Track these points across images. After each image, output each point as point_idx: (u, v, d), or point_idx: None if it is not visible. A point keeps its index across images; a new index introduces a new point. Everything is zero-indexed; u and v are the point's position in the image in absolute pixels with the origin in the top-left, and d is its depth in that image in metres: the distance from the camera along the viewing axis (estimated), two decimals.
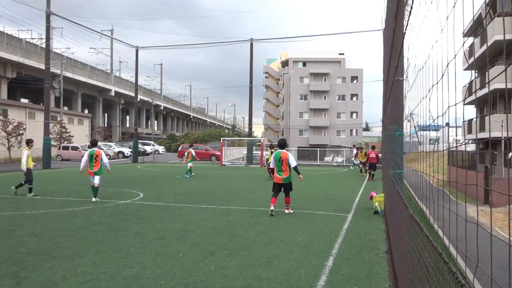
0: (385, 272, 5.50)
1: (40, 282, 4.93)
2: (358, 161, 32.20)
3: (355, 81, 67.10)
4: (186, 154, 22.46)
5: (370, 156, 21.54)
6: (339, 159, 39.93)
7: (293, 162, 9.88)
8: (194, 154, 22.14)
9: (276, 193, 10.01)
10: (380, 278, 5.25)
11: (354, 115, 67.40)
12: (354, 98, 67.42)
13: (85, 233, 7.61)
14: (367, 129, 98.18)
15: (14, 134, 36.03)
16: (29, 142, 13.34)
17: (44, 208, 10.51)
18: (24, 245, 6.69)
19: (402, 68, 5.90)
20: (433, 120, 2.72)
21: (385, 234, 7.89)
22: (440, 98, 2.33)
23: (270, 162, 11.26)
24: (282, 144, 10.28)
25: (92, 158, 12.03)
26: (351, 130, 66.55)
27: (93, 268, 5.48)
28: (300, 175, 10.19)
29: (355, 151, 32.70)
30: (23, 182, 13.08)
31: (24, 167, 12.86)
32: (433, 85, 2.58)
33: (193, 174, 22.36)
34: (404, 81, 5.76)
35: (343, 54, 74.27)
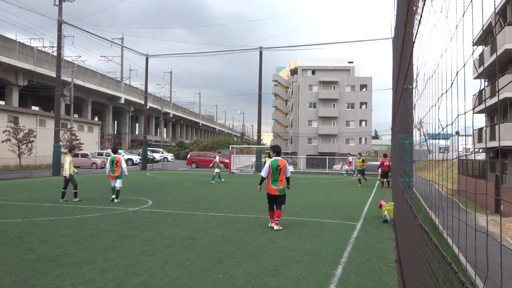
0: (395, 282, 5.44)
1: None
2: (349, 168, 32.13)
3: (364, 89, 66.97)
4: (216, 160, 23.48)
5: (384, 164, 21.38)
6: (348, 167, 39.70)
7: (289, 172, 9.20)
8: (217, 160, 23.04)
9: (272, 206, 9.13)
10: None
11: (363, 123, 67.15)
12: (363, 106, 67.23)
13: (94, 240, 7.64)
14: (376, 137, 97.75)
15: (24, 141, 36.44)
16: (72, 149, 14.08)
17: (53, 215, 10.59)
18: (33, 252, 6.74)
19: (411, 77, 5.89)
20: (443, 129, 2.71)
21: (394, 243, 7.82)
22: (450, 106, 2.33)
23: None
24: (279, 151, 9.39)
25: (113, 163, 13.44)
26: (360, 138, 66.26)
27: (102, 276, 5.50)
28: (289, 185, 9.34)
29: (351, 158, 32.64)
30: (64, 190, 13.53)
31: (67, 172, 13.31)
32: (442, 94, 2.57)
33: (223, 180, 23.59)
34: (413, 89, 5.75)
35: (352, 62, 74.25)
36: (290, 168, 34.26)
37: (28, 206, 12.20)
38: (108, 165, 13.58)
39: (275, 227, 8.76)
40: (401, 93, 6.84)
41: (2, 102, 50.31)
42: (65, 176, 13.40)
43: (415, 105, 5.33)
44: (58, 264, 6.05)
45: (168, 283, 5.23)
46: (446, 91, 2.41)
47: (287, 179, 9.10)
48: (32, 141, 37.49)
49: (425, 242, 2.84)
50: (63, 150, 30.34)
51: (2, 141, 34.76)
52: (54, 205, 12.46)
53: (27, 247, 7.09)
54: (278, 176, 8.92)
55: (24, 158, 37.02)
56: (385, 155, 22.37)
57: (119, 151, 14.58)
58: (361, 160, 23.54)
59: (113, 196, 13.27)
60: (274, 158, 9.12)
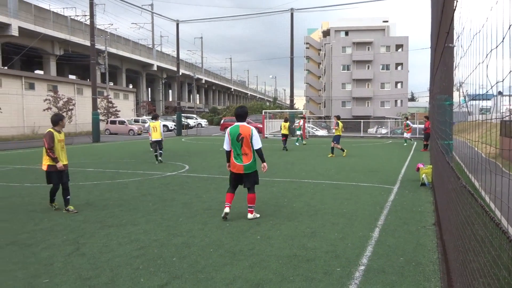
0: (433, 244, 5.42)
1: (98, 247, 5.25)
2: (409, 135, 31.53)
3: (400, 50, 64.55)
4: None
5: (428, 127, 20.90)
6: (383, 130, 39.04)
7: (258, 142, 6.75)
8: (301, 124, 26.70)
9: (233, 187, 6.93)
10: (428, 250, 5.18)
11: (399, 85, 65.20)
12: (399, 68, 65.07)
13: (136, 203, 7.96)
14: (412, 99, 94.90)
15: (64, 110, 37.72)
16: (157, 117, 15.83)
17: (96, 180, 11.06)
18: (81, 214, 7.11)
19: (453, 34, 5.61)
20: (491, 87, 2.59)
21: (432, 206, 7.73)
22: (500, 64, 2.21)
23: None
24: (242, 115, 6.88)
25: (154, 129, 14.93)
26: (396, 101, 64.58)
27: (145, 236, 5.76)
28: (264, 163, 6.94)
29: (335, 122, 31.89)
30: (160, 151, 14.96)
31: (162, 136, 15.10)
32: (491, 50, 2.44)
33: (304, 143, 25.43)
34: (455, 47, 5.49)
35: (387, 21, 71.36)
36: (322, 133, 33.48)
37: (72, 171, 12.73)
38: (150, 130, 15.16)
39: (249, 215, 6.73)
40: (441, 52, 6.55)
41: (41, 72, 51.93)
42: (156, 140, 14.82)
43: (457, 64, 5.11)
44: (104, 225, 6.37)
45: (208, 243, 5.42)
46: (496, 46, 2.29)
47: (259, 152, 6.77)
48: (72, 109, 38.76)
49: (469, 204, 2.79)
50: (101, 117, 31.21)
51: (44, 110, 36.10)
52: (96, 170, 12.99)
53: (75, 209, 7.48)
54: (240, 149, 6.67)
55: (65, 125, 38.40)
56: (427, 117, 21.91)
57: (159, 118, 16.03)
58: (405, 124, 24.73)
59: (159, 158, 14.82)
60: (235, 124, 6.84)
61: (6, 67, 39.23)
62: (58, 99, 37.53)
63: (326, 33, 75.46)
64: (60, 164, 7.20)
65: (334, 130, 18.81)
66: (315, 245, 5.33)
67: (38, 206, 7.77)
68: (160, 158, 14.82)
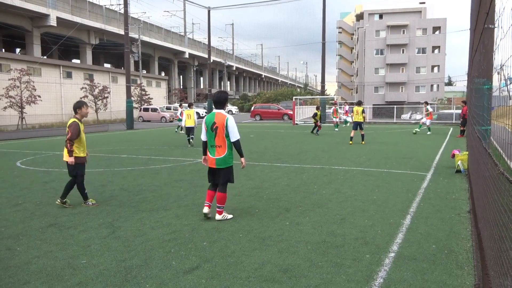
0: (467, 232, 5.28)
1: (132, 231, 5.42)
2: (346, 118, 30.98)
3: (437, 32, 62.30)
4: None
5: (465, 112, 20.24)
6: (418, 116, 38.01)
7: (234, 133, 5.91)
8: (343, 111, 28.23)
9: (212, 184, 6.12)
10: (461, 238, 5.05)
11: (436, 69, 63.10)
12: (436, 51, 62.89)
13: (167, 189, 8.14)
14: (449, 83, 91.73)
15: (100, 97, 38.78)
16: (191, 104, 17.38)
17: (130, 166, 11.36)
18: (115, 199, 7.34)
19: (493, 14, 5.36)
20: None
21: (468, 193, 7.51)
22: None
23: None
24: (220, 101, 5.99)
25: (188, 116, 16.43)
26: (432, 86, 62.61)
27: (177, 221, 5.89)
28: (242, 158, 6.10)
29: (347, 107, 31.40)
30: (192, 136, 16.46)
31: (196, 123, 16.43)
32: None
33: (336, 130, 25.70)
34: (496, 28, 5.24)
35: (424, 2, 68.80)
36: (350, 119, 32.91)
37: (108, 157, 13.18)
38: (183, 117, 16.90)
39: (217, 216, 5.90)
40: (480, 34, 6.28)
41: (78, 61, 53.43)
42: (189, 127, 16.31)
43: (498, 46, 4.88)
44: (137, 209, 6.56)
45: (238, 228, 5.49)
46: None
47: (236, 145, 5.96)
48: (107, 97, 39.80)
49: (507, 191, 2.69)
50: (134, 105, 31.87)
51: (81, 98, 37.25)
52: (130, 157, 13.34)
53: (110, 194, 7.74)
54: (214, 140, 5.89)
55: (101, 113, 39.56)
56: (464, 102, 21.14)
57: (193, 106, 18.00)
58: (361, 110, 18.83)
59: (191, 141, 16.38)
60: (212, 111, 6.04)
61: (45, 57, 40.61)
62: (94, 87, 38.60)
63: (359, 17, 73.66)
64: (72, 159, 6.54)
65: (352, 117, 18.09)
66: (344, 232, 5.30)
67: (75, 190, 8.06)
68: (192, 141, 16.35)
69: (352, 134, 17.05)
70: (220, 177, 5.94)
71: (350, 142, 16.74)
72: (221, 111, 5.94)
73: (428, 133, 21.73)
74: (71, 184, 6.82)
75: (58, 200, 6.78)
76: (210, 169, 6.05)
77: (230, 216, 6.01)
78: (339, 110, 29.19)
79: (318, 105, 25.49)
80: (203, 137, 6.06)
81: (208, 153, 5.97)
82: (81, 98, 37.08)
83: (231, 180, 6.02)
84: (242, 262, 4.32)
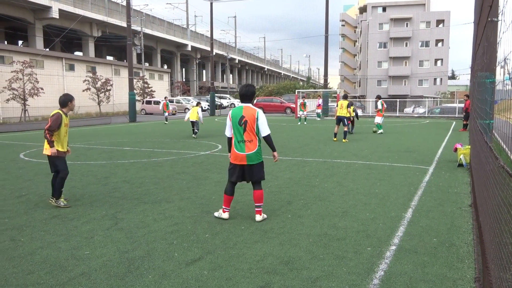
0: (469, 226, 5.29)
1: (135, 223, 5.46)
2: (318, 112, 30.83)
3: (440, 25, 61.88)
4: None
5: (467, 106, 20.17)
6: (421, 110, 37.94)
7: (265, 128, 5.60)
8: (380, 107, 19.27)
9: (233, 183, 5.69)
10: (462, 231, 5.07)
11: (439, 62, 62.77)
12: (439, 44, 62.53)
13: (170, 181, 8.18)
14: (453, 77, 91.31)
15: (102, 90, 38.77)
16: (199, 103, 18.34)
17: (133, 158, 11.40)
18: (118, 191, 7.38)
19: (497, 7, 5.33)
20: None
21: (469, 187, 7.52)
22: None
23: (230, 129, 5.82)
24: (248, 94, 5.70)
25: (193, 111, 16.90)
26: (435, 79, 62.33)
27: (179, 213, 5.93)
28: (275, 152, 5.87)
29: (320, 101, 31.09)
30: (196, 130, 17.09)
31: (201, 120, 17.07)
32: None
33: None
34: (499, 22, 5.22)
35: None
36: (358, 112, 32.76)
37: (110, 150, 13.22)
38: (188, 112, 17.30)
39: (257, 218, 5.55)
40: (484, 27, 6.25)
41: (80, 53, 53.40)
42: (192, 121, 16.82)
43: (501, 39, 4.87)
44: (140, 201, 6.60)
45: (240, 221, 5.52)
46: None
47: (268, 140, 5.67)
48: (109, 90, 39.79)
49: (507, 185, 2.71)
50: (137, 98, 31.86)
51: (83, 90, 37.27)
52: (132, 149, 13.38)
53: (113, 186, 7.78)
54: (242, 135, 5.54)
55: (103, 105, 39.59)
56: (467, 96, 21.05)
57: (201, 103, 19.09)
58: (349, 107, 16.36)
59: (195, 131, 17.08)
60: (239, 105, 5.76)
61: (47, 49, 40.59)
62: (97, 80, 38.59)
63: (362, 10, 73.21)
64: (54, 150, 6.19)
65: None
66: (346, 225, 5.33)
67: (78, 182, 8.13)
68: (196, 132, 17.14)
69: (335, 130, 15.58)
70: (253, 174, 5.56)
71: (334, 139, 15.45)
72: (249, 104, 5.62)
73: (380, 131, 18.45)
74: (57, 179, 6.37)
75: (52, 200, 6.34)
76: (237, 166, 5.57)
77: (265, 216, 5.69)
78: (307, 103, 29.09)
79: (351, 101, 19.02)
80: (228, 132, 5.73)
81: (235, 149, 5.54)
82: (83, 90, 37.15)
83: (264, 176, 5.70)
84: (244, 254, 4.35)
